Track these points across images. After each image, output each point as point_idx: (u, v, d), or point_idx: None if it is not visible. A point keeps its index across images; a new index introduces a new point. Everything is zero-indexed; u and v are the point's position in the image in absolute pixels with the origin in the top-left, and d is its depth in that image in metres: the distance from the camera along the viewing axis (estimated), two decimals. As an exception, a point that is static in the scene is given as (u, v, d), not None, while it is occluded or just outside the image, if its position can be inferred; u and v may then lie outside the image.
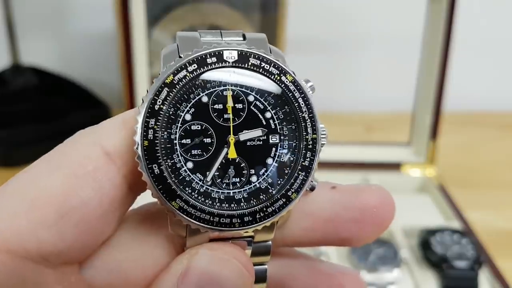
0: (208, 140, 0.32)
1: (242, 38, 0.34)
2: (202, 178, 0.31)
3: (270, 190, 0.32)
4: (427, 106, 1.03)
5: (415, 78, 1.06)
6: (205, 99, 0.32)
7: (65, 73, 1.31)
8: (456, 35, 0.98)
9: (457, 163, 1.19)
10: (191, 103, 0.31)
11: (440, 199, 0.99)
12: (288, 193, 0.32)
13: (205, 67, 0.31)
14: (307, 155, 0.33)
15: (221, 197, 0.32)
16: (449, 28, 0.96)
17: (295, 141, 0.33)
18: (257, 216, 0.32)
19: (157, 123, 0.30)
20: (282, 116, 0.33)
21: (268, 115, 0.33)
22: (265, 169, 0.33)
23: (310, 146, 0.33)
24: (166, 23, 1.14)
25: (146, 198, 0.33)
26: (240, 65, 0.32)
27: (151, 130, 0.30)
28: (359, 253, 0.83)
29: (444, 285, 0.79)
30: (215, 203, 0.31)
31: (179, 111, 0.31)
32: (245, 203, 0.32)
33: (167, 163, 0.30)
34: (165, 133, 0.31)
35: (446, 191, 1.02)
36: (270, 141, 0.33)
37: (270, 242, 0.34)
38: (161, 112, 0.30)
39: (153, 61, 1.05)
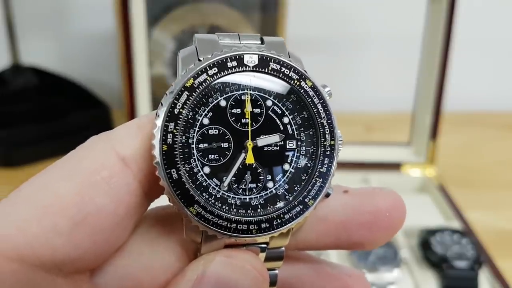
0: (225, 144, 0.31)
1: (260, 42, 0.33)
2: (219, 184, 0.31)
3: (287, 196, 0.32)
4: (427, 106, 1.03)
5: (415, 78, 1.06)
6: (223, 103, 0.31)
7: (65, 73, 1.31)
8: (456, 35, 0.98)
9: (457, 163, 1.19)
10: (209, 107, 0.31)
11: (440, 199, 0.99)
12: (305, 200, 0.32)
13: (226, 71, 0.31)
14: (325, 162, 0.32)
15: (238, 203, 0.31)
16: (449, 28, 0.96)
17: (312, 147, 0.33)
18: (274, 223, 0.31)
19: (176, 127, 0.30)
20: (300, 122, 0.33)
21: (286, 120, 0.33)
22: (281, 175, 0.32)
23: (328, 153, 0.33)
24: (166, 23, 1.14)
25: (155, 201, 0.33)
26: (260, 69, 0.32)
27: (170, 134, 0.30)
28: (359, 253, 0.83)
29: (444, 285, 0.79)
30: (231, 209, 0.31)
31: (197, 115, 0.31)
32: (262, 210, 0.32)
33: (185, 168, 0.30)
34: (183, 137, 0.30)
35: (446, 191, 1.02)
36: (288, 147, 0.32)
37: (283, 248, 0.33)
38: (180, 116, 0.30)
39: (153, 61, 1.05)
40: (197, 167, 0.31)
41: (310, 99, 0.32)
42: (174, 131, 0.30)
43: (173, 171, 0.30)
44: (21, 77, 1.23)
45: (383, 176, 1.04)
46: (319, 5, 1.37)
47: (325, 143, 0.33)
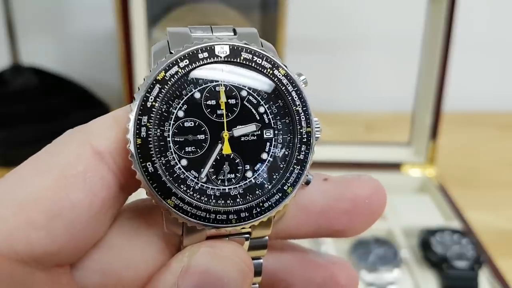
0: (201, 136, 0.31)
1: (233, 33, 0.33)
2: (197, 175, 0.31)
3: (266, 185, 0.32)
4: (427, 106, 1.03)
5: (415, 78, 1.06)
6: (197, 95, 0.31)
7: (65, 73, 1.31)
8: (456, 35, 0.98)
9: (457, 163, 1.19)
10: (184, 99, 0.31)
11: (440, 199, 0.99)
12: (284, 188, 0.32)
13: (197, 63, 0.31)
14: (302, 149, 0.32)
15: (217, 194, 0.31)
16: (449, 28, 0.96)
17: (289, 135, 0.33)
18: (254, 212, 0.31)
19: (150, 121, 0.30)
20: (276, 111, 0.33)
21: (261, 109, 0.32)
22: (260, 164, 0.32)
23: (305, 140, 0.33)
24: (166, 23, 1.14)
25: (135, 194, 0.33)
26: (232, 59, 0.32)
27: (144, 127, 0.30)
28: (359, 253, 0.83)
29: (444, 285, 0.79)
30: (210, 200, 0.31)
31: (171, 108, 0.31)
32: (241, 199, 0.32)
33: (161, 161, 0.30)
34: (158, 130, 0.30)
35: (446, 191, 1.02)
36: (265, 136, 0.32)
37: (267, 237, 0.33)
38: (153, 109, 0.30)
39: (153, 61, 1.05)
40: (174, 159, 0.31)
41: (284, 87, 0.32)
42: (148, 124, 0.30)
43: (149, 164, 0.30)
44: (21, 77, 1.23)
45: (383, 176, 1.03)
46: (319, 5, 1.37)
47: (301, 130, 0.32)
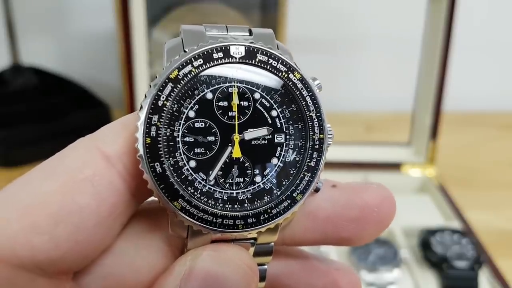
0: (211, 138, 0.31)
1: (248, 33, 0.33)
2: (205, 178, 0.30)
3: (275, 191, 0.31)
4: (427, 106, 1.03)
5: (415, 78, 1.06)
6: (209, 95, 0.31)
7: (65, 73, 1.31)
8: (456, 35, 0.98)
9: (457, 163, 1.19)
10: (195, 99, 0.30)
11: (440, 199, 0.99)
12: (293, 194, 0.31)
13: (211, 62, 0.30)
14: (314, 156, 0.32)
15: (224, 198, 0.31)
16: (449, 28, 0.96)
17: (301, 140, 0.32)
18: (261, 218, 0.31)
19: (160, 120, 0.29)
20: (289, 115, 0.32)
21: (274, 113, 0.32)
22: (269, 169, 0.32)
23: (317, 146, 0.32)
24: (166, 23, 1.14)
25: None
26: (247, 61, 0.31)
27: (154, 127, 0.29)
28: (359, 253, 0.83)
29: (444, 285, 0.79)
30: (218, 204, 0.30)
31: (182, 108, 0.30)
32: (248, 204, 0.31)
33: (169, 162, 0.29)
34: (168, 130, 0.30)
35: (446, 191, 1.02)
36: (276, 141, 0.32)
37: (272, 244, 0.33)
38: (164, 109, 0.29)
39: (153, 61, 1.05)
40: (183, 160, 0.30)
41: (298, 92, 0.32)
42: (158, 123, 0.29)
43: (157, 165, 0.29)
44: (21, 77, 1.23)
45: (383, 176, 1.04)
46: (319, 5, 1.37)
47: (314, 136, 0.32)
